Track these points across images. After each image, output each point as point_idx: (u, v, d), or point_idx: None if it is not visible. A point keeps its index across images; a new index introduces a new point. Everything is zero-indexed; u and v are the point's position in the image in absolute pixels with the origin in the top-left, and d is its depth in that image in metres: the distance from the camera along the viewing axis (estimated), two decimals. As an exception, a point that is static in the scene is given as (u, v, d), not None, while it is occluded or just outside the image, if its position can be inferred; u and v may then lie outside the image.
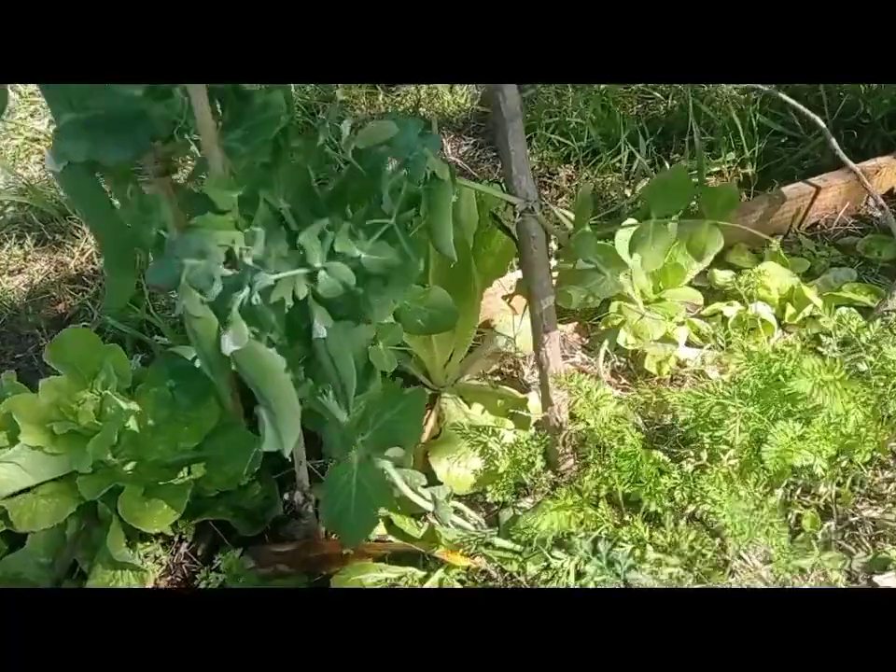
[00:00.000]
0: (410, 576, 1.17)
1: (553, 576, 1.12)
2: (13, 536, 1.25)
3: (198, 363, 0.97)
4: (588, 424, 1.16)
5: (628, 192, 1.94)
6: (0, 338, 1.88)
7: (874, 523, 1.25)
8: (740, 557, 1.14)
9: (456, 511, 1.26)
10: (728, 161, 2.01)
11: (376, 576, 1.15)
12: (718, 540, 1.13)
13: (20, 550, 1.25)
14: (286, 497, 1.18)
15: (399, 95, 2.46)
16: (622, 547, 1.09)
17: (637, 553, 1.10)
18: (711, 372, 1.47)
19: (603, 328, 1.47)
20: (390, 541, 1.23)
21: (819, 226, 1.87)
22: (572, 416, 1.32)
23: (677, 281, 1.51)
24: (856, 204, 1.91)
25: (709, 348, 1.50)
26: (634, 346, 1.41)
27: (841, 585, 1.16)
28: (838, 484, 1.25)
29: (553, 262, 1.23)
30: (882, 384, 1.16)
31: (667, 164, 2.07)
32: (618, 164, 2.05)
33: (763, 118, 2.07)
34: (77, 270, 2.06)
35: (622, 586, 1.09)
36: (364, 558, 1.18)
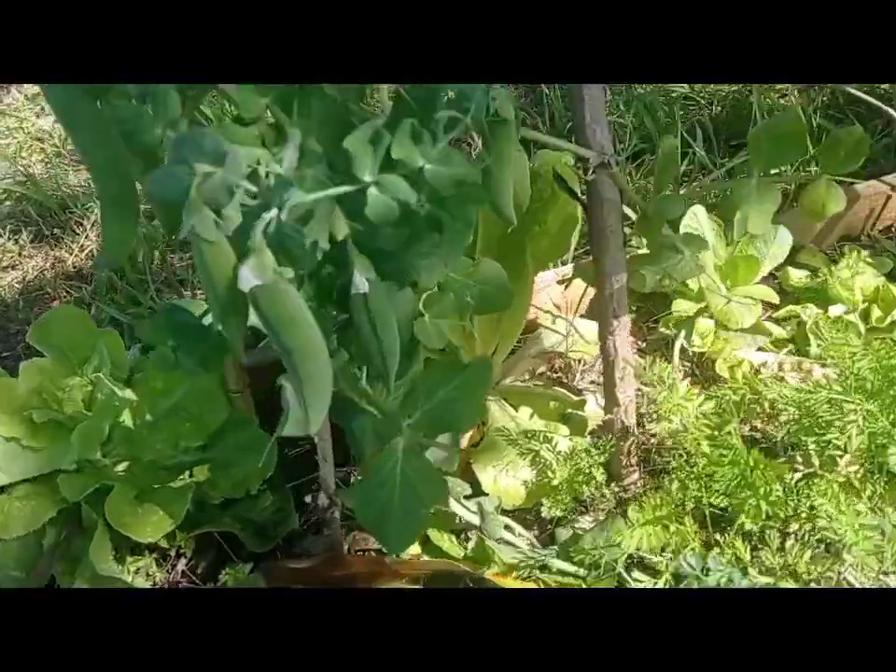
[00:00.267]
0: (452, 603, 0.97)
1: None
2: (-21, 544, 1.05)
3: (207, 319, 0.78)
4: (671, 423, 0.97)
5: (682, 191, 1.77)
6: (-13, 334, 1.72)
7: None
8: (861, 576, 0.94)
9: (506, 527, 1.07)
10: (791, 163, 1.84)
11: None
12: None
13: (-14, 561, 1.05)
14: (307, 500, 0.99)
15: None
16: (719, 571, 0.89)
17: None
18: (791, 379, 1.29)
19: (674, 319, 1.28)
20: (427, 560, 1.03)
21: (894, 228, 1.70)
22: (640, 420, 1.14)
23: (749, 276, 1.32)
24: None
25: (787, 352, 1.32)
26: (706, 345, 1.21)
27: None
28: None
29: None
30: None
31: (716, 168, 1.92)
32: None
33: (822, 119, 1.93)
34: (74, 266, 1.90)
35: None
36: (397, 578, 0.98)
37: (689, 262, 1.08)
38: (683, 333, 1.20)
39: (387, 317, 0.77)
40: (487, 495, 1.11)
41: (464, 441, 1.22)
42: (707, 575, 0.91)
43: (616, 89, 2.21)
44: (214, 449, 1.14)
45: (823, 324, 1.22)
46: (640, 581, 0.94)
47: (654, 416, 1.04)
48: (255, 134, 0.71)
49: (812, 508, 0.92)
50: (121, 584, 1.03)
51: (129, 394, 1.09)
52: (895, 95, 1.88)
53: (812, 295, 1.41)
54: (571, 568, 1.01)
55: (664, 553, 0.98)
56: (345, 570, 0.99)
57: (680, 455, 0.98)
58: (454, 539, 1.08)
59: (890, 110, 1.59)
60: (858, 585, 0.93)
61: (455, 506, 1.00)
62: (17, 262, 1.92)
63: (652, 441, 1.19)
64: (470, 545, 1.07)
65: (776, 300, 1.36)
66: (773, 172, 0.87)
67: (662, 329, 1.38)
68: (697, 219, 1.32)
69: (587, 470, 1.10)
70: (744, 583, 0.88)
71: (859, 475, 0.94)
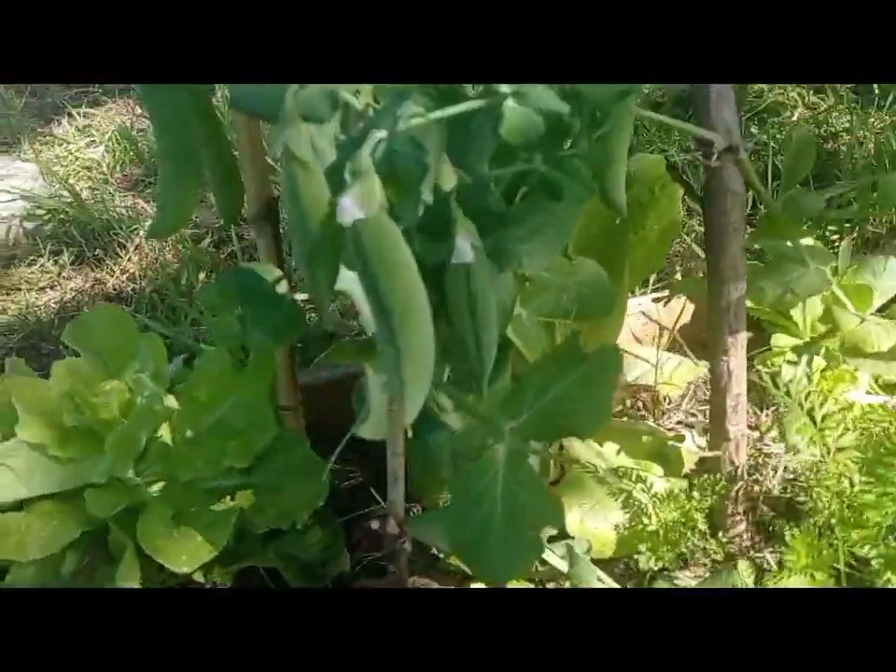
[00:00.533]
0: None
1: None
2: (-11, 566, 0.92)
3: (280, 287, 0.66)
4: (813, 454, 0.82)
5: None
6: (18, 353, 1.61)
7: None
8: None
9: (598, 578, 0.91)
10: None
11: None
12: None
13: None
14: (372, 525, 0.83)
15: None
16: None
17: None
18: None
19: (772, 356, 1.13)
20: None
21: None
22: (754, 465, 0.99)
23: (862, 307, 1.18)
24: None
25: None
26: (822, 378, 1.06)
27: None
28: None
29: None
30: None
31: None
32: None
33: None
34: (115, 288, 1.81)
35: None
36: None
37: (815, 276, 0.95)
38: (805, 359, 1.05)
39: (488, 300, 0.64)
40: (573, 538, 0.96)
41: (542, 479, 1.08)
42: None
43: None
44: (260, 471, 1.00)
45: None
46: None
47: (779, 447, 0.88)
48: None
49: None
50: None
51: (171, 401, 0.96)
52: None
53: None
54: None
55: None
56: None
57: (818, 494, 0.82)
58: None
59: None
60: None
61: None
62: (55, 283, 1.84)
63: (761, 486, 1.03)
64: (554, 594, 0.92)
65: None
66: None
67: (759, 368, 1.23)
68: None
69: (692, 517, 0.95)
70: None
71: None
